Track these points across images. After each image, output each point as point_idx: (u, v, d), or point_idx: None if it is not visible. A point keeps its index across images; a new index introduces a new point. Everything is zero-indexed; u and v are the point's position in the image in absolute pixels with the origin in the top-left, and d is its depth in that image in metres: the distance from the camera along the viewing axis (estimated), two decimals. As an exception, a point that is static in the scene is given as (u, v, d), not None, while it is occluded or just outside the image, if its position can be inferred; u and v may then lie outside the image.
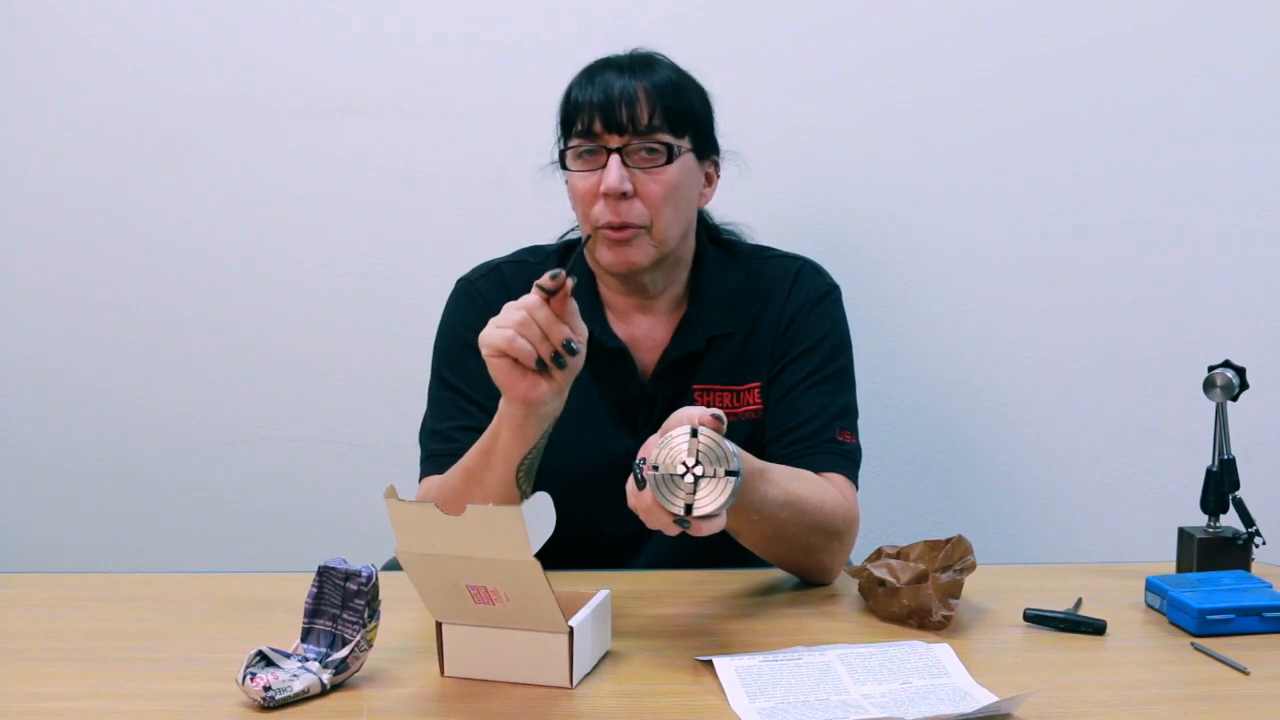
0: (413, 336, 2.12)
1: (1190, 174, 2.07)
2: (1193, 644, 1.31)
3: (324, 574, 1.22)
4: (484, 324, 1.51)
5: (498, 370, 1.33)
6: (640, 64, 1.59)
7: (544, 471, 1.44)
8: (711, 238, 1.69)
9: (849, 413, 1.62)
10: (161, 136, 2.14)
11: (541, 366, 1.32)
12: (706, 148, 1.63)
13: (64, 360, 2.19)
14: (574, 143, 1.57)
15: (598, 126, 1.54)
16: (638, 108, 1.54)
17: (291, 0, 2.10)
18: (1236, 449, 1.50)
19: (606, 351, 1.61)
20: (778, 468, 1.42)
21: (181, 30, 2.11)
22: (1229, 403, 1.49)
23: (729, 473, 1.20)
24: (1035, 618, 1.36)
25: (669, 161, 1.55)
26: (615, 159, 1.53)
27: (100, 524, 2.22)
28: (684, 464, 1.20)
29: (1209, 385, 1.50)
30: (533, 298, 1.32)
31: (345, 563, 1.22)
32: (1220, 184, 2.07)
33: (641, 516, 1.23)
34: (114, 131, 2.14)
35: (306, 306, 2.17)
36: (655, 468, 1.20)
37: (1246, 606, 1.33)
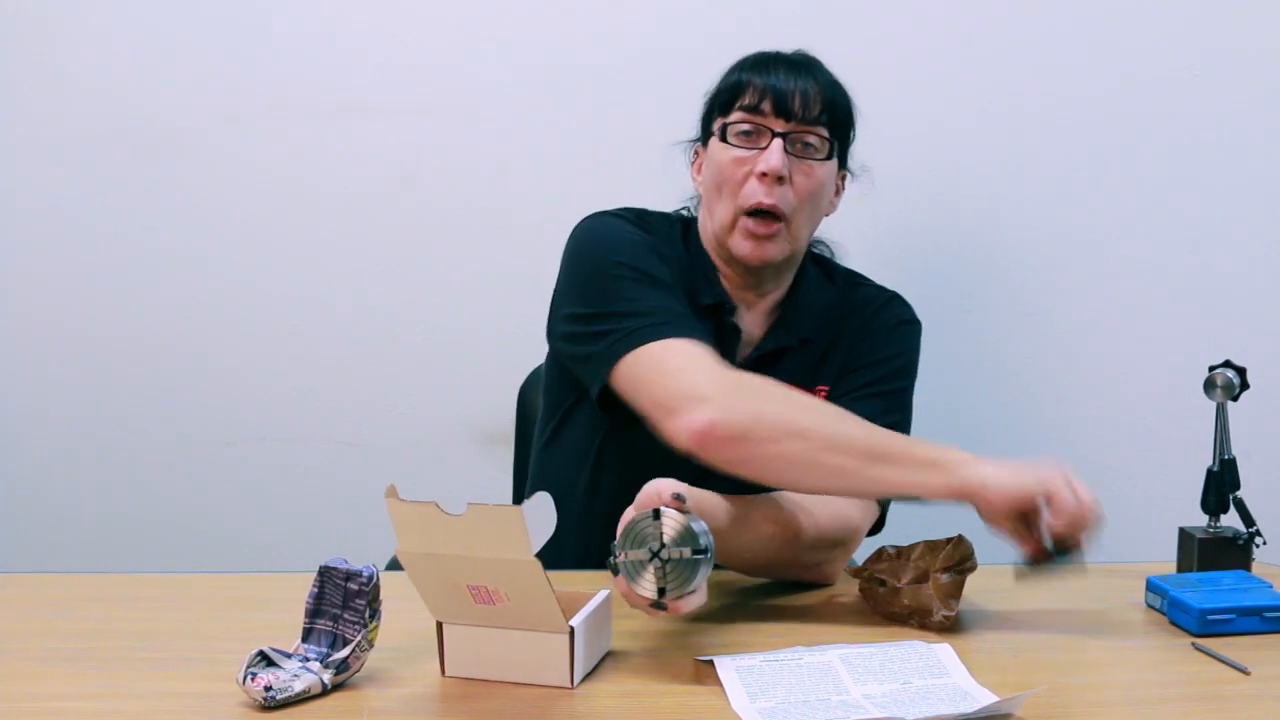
0: (412, 336, 2.12)
1: (1191, 174, 2.07)
2: (1193, 644, 1.31)
3: (325, 574, 1.22)
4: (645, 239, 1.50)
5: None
6: (809, 61, 1.61)
7: (623, 444, 1.44)
8: (809, 252, 1.70)
9: (895, 430, 1.61)
10: (161, 136, 2.14)
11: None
12: (845, 157, 1.65)
13: (64, 359, 2.19)
14: (736, 117, 1.56)
15: (766, 108, 1.55)
16: (810, 99, 1.55)
17: (292, 0, 2.10)
18: (1236, 449, 1.50)
19: (726, 329, 1.60)
20: (770, 497, 1.42)
21: (181, 30, 2.11)
22: (1229, 403, 1.49)
23: (696, 552, 1.19)
24: (1024, 570, 1.35)
25: (826, 157, 1.57)
26: (779, 142, 1.54)
27: (100, 524, 2.22)
28: (650, 549, 1.20)
29: (1209, 385, 1.50)
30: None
31: (346, 563, 1.22)
32: (1221, 184, 2.07)
33: (624, 600, 1.23)
34: (113, 131, 2.14)
35: (306, 306, 2.16)
36: (625, 553, 1.21)
37: (1247, 606, 1.33)
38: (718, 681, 1.20)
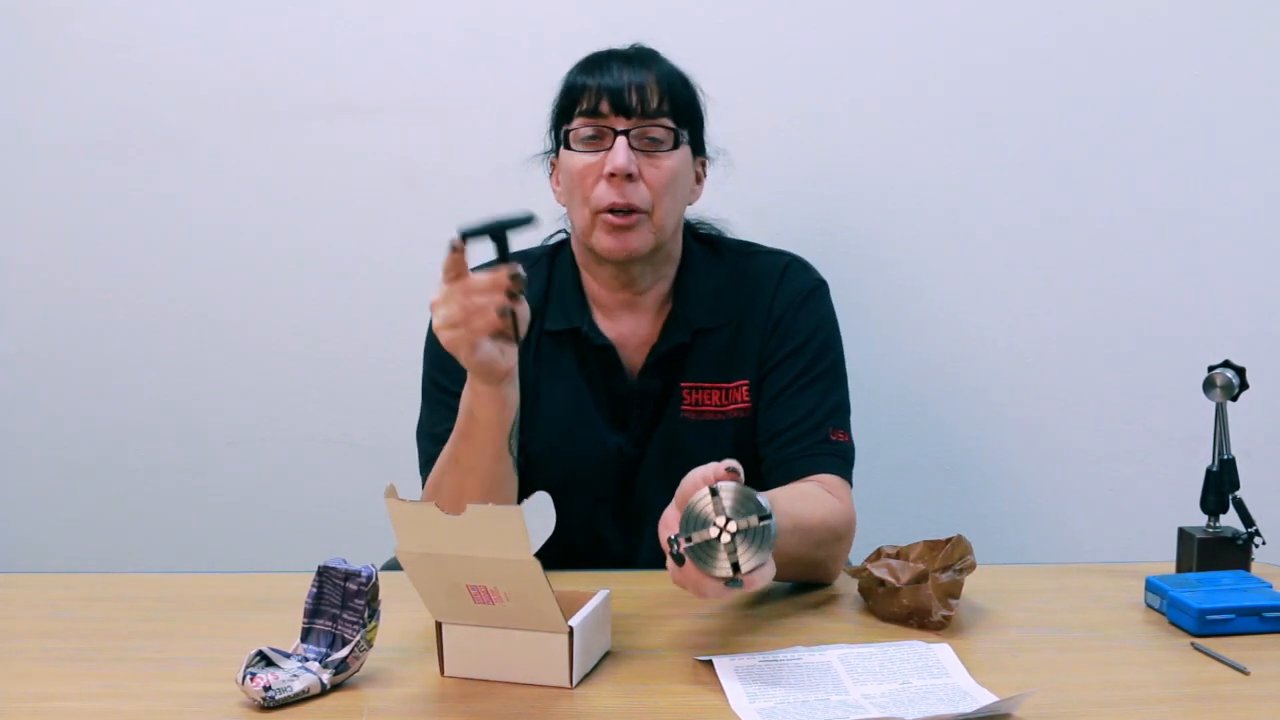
0: (413, 335, 2.11)
1: (1190, 173, 2.07)
2: (1193, 644, 1.31)
3: (324, 574, 1.22)
4: None
5: (480, 363, 1.34)
6: (646, 55, 1.60)
7: (540, 474, 1.44)
8: (693, 235, 1.69)
9: (841, 410, 1.61)
10: (161, 135, 2.14)
11: (507, 313, 1.31)
12: (699, 145, 1.64)
13: (64, 359, 2.19)
14: (577, 123, 1.56)
15: (605, 108, 1.54)
16: (647, 92, 1.55)
17: (293, 0, 2.10)
18: (1236, 449, 1.50)
19: (594, 349, 1.61)
20: (780, 493, 1.42)
21: (182, 29, 2.11)
22: (1229, 403, 1.49)
23: (762, 518, 1.17)
24: (470, 233, 1.35)
25: (674, 148, 1.56)
26: (623, 140, 1.53)
27: (100, 524, 2.22)
28: (716, 525, 1.17)
29: (1209, 385, 1.50)
30: (446, 283, 1.34)
31: (345, 563, 1.22)
32: (1220, 183, 2.07)
33: (691, 591, 1.20)
34: (114, 130, 2.14)
35: (307, 305, 2.16)
36: (689, 538, 1.17)
37: (1246, 606, 1.33)
38: (717, 681, 1.20)
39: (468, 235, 1.34)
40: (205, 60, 2.12)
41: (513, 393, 1.39)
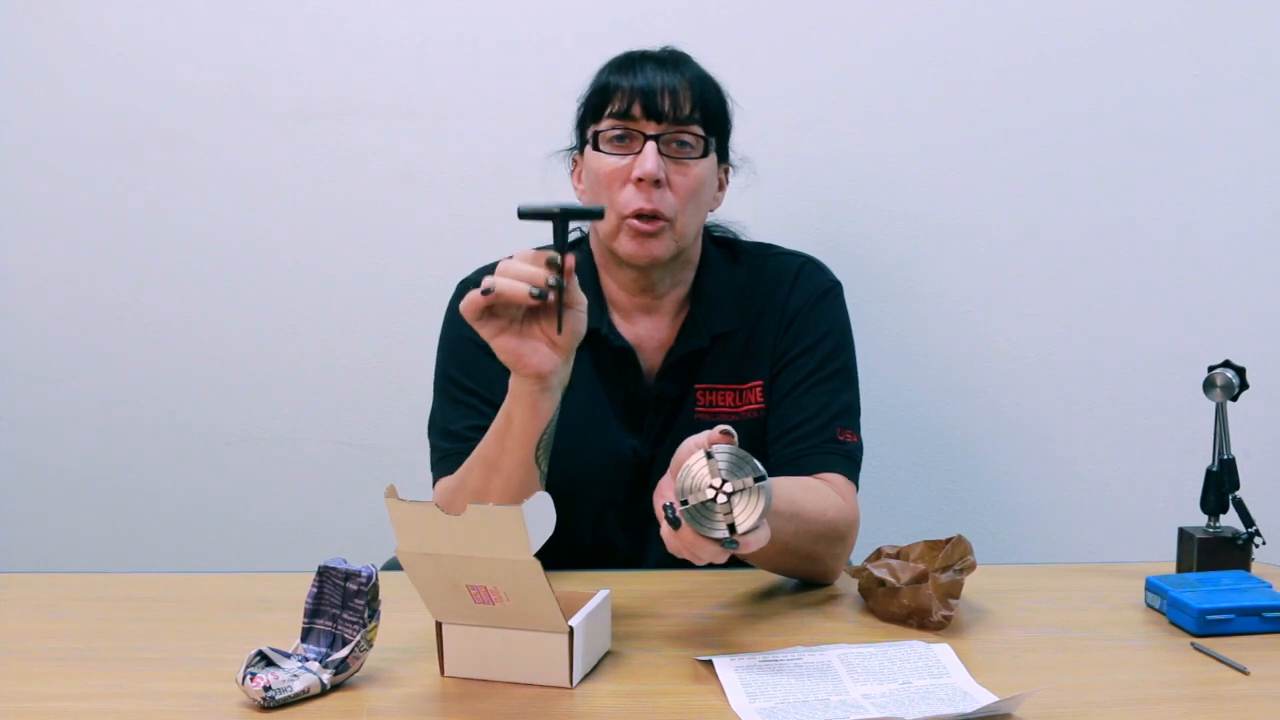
0: (413, 336, 2.12)
1: (1190, 174, 2.08)
2: (1193, 644, 1.31)
3: (324, 574, 1.22)
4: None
5: (504, 348, 1.33)
6: (679, 59, 1.60)
7: (553, 472, 1.44)
8: (710, 237, 1.69)
9: (850, 411, 1.61)
10: (160, 136, 2.14)
11: (540, 297, 1.29)
12: (724, 152, 1.64)
13: (63, 360, 2.19)
14: (608, 123, 1.55)
15: (636, 111, 1.53)
16: (679, 97, 1.54)
17: (291, 0, 2.10)
18: (1236, 449, 1.50)
19: (612, 350, 1.61)
20: (782, 480, 1.42)
21: (181, 29, 2.11)
22: (1229, 403, 1.49)
23: (758, 479, 1.18)
24: (529, 213, 1.32)
25: (702, 155, 1.56)
26: (652, 146, 1.53)
27: (100, 524, 2.22)
28: (712, 486, 1.17)
29: (1209, 385, 1.50)
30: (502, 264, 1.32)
31: (345, 563, 1.22)
32: (1220, 184, 2.07)
33: (686, 556, 1.20)
34: (113, 131, 2.14)
35: (306, 306, 2.17)
36: (684, 501, 1.18)
37: (1246, 606, 1.33)
38: (717, 681, 1.20)
39: (525, 215, 1.33)
40: (207, 61, 2.12)
41: (547, 403, 1.37)
